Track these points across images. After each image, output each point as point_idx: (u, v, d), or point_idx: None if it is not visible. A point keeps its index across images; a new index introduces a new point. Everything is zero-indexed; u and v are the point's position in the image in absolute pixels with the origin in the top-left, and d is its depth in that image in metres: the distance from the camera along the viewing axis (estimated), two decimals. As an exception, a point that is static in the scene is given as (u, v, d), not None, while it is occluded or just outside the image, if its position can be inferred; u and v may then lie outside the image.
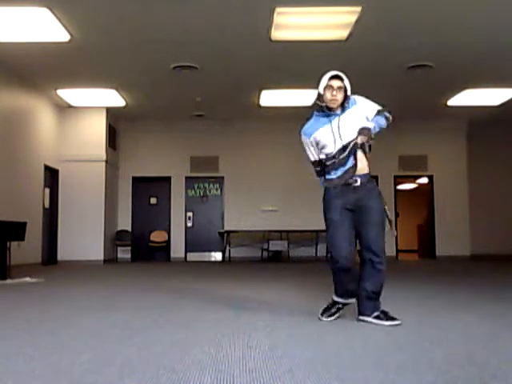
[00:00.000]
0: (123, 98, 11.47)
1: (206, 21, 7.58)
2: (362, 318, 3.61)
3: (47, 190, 11.70)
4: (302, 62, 9.30)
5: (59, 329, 3.52)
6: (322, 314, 3.75)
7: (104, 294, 5.72)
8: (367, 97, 3.80)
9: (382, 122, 3.76)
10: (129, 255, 13.39)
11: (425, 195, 14.65)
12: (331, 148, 3.58)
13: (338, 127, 3.57)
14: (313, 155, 3.72)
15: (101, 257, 12.22)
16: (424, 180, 15.06)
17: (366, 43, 8.38)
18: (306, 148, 3.73)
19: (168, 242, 13.60)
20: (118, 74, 10.13)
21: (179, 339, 3.10)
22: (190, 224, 13.71)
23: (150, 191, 13.67)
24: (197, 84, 10.57)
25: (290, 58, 9.08)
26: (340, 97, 3.57)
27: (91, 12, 7.27)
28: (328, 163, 3.62)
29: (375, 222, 3.55)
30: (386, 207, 3.66)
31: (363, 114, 3.66)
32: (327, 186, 3.65)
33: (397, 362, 2.51)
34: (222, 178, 13.74)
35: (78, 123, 12.46)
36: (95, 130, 12.46)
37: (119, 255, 13.31)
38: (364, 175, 3.62)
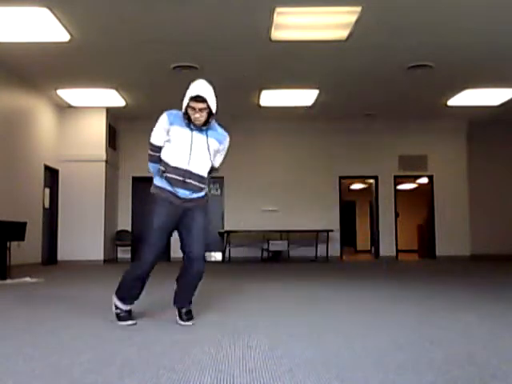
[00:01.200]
0: (123, 98, 11.47)
1: (206, 21, 7.58)
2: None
3: (47, 190, 11.70)
4: (302, 62, 9.30)
5: (59, 329, 3.52)
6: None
7: (104, 294, 5.72)
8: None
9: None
10: (129, 255, 13.38)
11: (425, 195, 14.65)
12: (181, 160, 3.44)
13: (191, 148, 3.43)
14: (158, 139, 3.54)
15: (101, 257, 12.22)
16: (424, 180, 15.06)
17: (366, 43, 8.38)
18: (158, 127, 3.51)
19: (168, 241, 13.57)
20: (118, 74, 10.13)
21: (179, 339, 3.10)
22: (190, 224, 13.69)
23: (149, 191, 13.66)
24: (197, 84, 10.56)
25: (290, 58, 9.08)
26: (204, 117, 3.40)
27: (91, 12, 7.27)
28: (169, 168, 3.47)
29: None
30: None
31: (215, 150, 3.59)
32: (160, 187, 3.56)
33: (397, 362, 2.51)
34: (222, 177, 13.73)
35: (78, 123, 12.46)
36: (95, 130, 12.46)
37: (119, 255, 13.31)
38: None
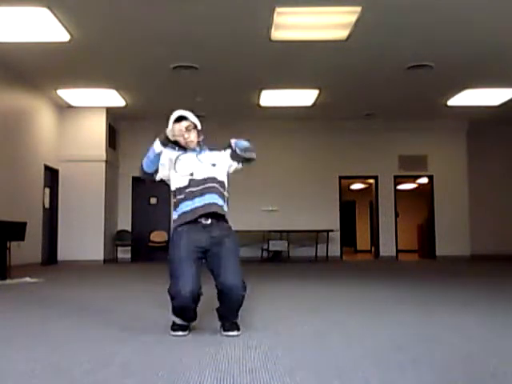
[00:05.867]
0: (123, 98, 11.46)
1: (205, 21, 7.58)
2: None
3: (47, 190, 11.70)
4: (302, 62, 9.30)
5: (59, 329, 3.52)
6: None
7: (104, 294, 5.72)
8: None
9: (243, 143, 3.57)
10: (129, 255, 13.38)
11: (425, 195, 14.64)
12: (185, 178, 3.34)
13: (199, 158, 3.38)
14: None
15: (101, 257, 12.22)
16: (424, 180, 15.05)
17: (365, 43, 8.38)
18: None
19: (168, 242, 13.58)
20: (117, 74, 10.13)
21: (179, 339, 3.10)
22: (189, 224, 13.68)
23: (150, 191, 13.65)
24: (197, 84, 10.57)
25: (290, 58, 9.07)
26: (193, 136, 3.36)
27: (91, 12, 7.27)
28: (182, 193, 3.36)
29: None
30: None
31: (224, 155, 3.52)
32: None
33: (397, 362, 2.51)
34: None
35: (78, 123, 12.46)
36: (95, 130, 12.46)
37: (119, 255, 13.30)
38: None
